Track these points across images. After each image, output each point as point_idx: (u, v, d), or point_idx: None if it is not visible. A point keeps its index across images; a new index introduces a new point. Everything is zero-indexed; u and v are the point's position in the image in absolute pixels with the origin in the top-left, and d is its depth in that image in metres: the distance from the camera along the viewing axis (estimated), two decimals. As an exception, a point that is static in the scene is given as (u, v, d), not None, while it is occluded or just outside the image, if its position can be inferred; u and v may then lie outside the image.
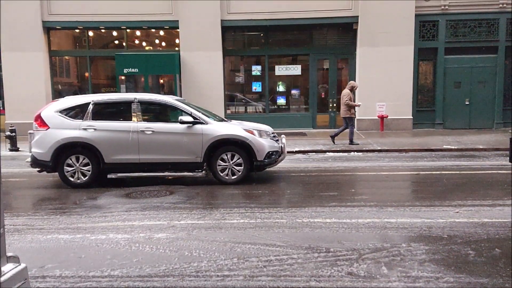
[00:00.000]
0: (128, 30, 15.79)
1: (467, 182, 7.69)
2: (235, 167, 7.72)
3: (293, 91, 16.08)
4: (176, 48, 15.60)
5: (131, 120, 7.75)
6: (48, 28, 15.52)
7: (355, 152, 11.21)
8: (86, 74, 16.19)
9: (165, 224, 5.39)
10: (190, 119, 7.68)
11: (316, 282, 3.66)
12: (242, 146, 7.71)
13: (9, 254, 2.27)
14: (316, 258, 4.16)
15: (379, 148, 11.54)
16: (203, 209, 6.11)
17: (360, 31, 14.89)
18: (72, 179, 7.67)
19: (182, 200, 6.69)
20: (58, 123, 7.67)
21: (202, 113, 7.98)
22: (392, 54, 14.66)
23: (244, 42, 16.38)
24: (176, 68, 14.99)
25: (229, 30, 15.62)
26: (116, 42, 16.32)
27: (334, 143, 12.13)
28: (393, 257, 4.16)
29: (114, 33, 16.13)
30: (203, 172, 7.73)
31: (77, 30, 15.98)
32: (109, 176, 7.79)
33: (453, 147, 11.41)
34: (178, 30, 15.24)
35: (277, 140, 8.23)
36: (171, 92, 15.06)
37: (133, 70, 14.69)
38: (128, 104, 7.84)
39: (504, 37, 14.85)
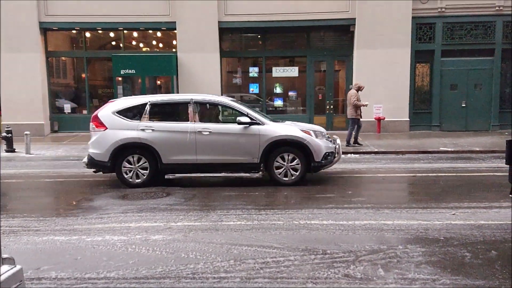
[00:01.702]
0: (125, 31, 15.76)
1: (464, 184, 7.71)
2: (292, 168, 7.69)
3: (290, 93, 16.07)
4: (173, 50, 15.57)
5: (187, 120, 7.75)
6: (45, 29, 15.45)
7: (352, 154, 11.22)
8: (83, 75, 16.13)
9: (161, 226, 5.38)
10: (247, 119, 7.65)
11: (313, 284, 3.65)
12: (299, 147, 7.66)
13: (4, 255, 2.25)
14: (313, 260, 4.16)
15: (376, 150, 11.56)
16: (200, 211, 6.10)
17: (357, 33, 14.92)
18: (130, 179, 7.67)
19: (179, 201, 6.67)
20: (116, 123, 7.67)
21: (258, 114, 7.98)
22: (389, 56, 14.68)
23: (241, 43, 16.37)
24: (173, 70, 14.96)
25: (226, 32, 15.61)
26: (113, 43, 16.28)
27: (360, 145, 12.15)
28: (390, 259, 4.16)
29: (111, 34, 16.10)
30: (260, 173, 7.70)
31: (74, 31, 15.93)
32: (166, 176, 7.79)
33: (449, 149, 11.44)
34: (175, 31, 15.21)
35: (331, 140, 8.21)
36: (168, 93, 15.03)
37: (130, 71, 14.66)
38: (184, 104, 7.87)
39: (500, 40, 14.91)
